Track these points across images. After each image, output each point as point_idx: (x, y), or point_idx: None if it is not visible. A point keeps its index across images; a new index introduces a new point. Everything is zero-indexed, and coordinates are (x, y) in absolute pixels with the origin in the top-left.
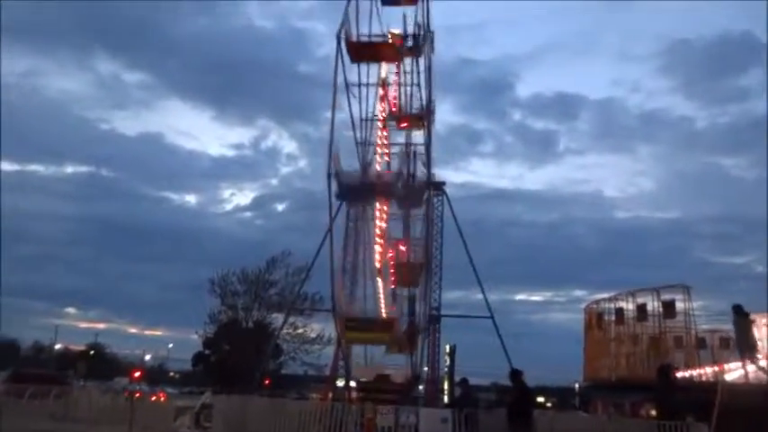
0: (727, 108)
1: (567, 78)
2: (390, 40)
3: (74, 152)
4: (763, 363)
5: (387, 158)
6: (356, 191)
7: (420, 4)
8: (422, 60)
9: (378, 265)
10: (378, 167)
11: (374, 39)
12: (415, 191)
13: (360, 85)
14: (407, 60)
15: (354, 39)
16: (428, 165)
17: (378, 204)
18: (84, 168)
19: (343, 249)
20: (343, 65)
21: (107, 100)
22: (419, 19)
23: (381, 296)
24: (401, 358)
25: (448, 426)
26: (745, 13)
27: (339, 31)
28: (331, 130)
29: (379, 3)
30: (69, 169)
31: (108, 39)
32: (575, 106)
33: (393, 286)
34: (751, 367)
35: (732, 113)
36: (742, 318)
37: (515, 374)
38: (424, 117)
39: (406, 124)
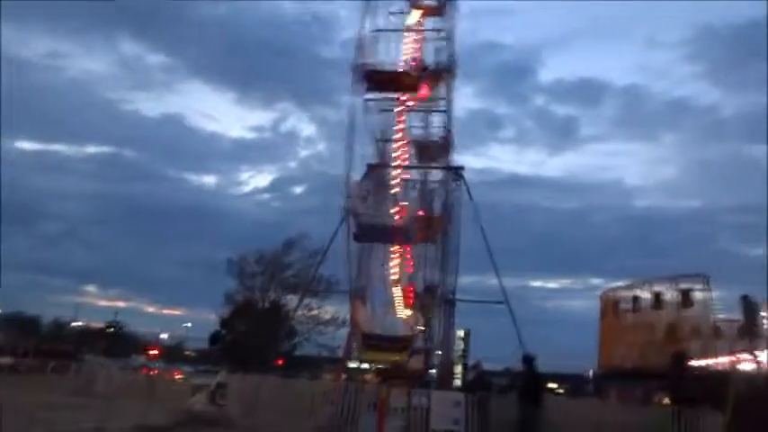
0: (754, 96)
1: (591, 64)
2: (409, 69)
3: (96, 132)
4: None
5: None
6: (373, 232)
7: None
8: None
9: (396, 276)
10: (394, 210)
11: (390, 67)
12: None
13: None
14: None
15: (371, 67)
16: (450, 152)
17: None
18: (105, 149)
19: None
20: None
21: (130, 81)
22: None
23: (399, 305)
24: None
25: (460, 408)
26: None
27: (355, 61)
28: (349, 162)
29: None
30: (91, 149)
31: (131, 20)
32: (598, 92)
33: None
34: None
35: (758, 101)
36: (749, 306)
37: (528, 359)
38: (443, 147)
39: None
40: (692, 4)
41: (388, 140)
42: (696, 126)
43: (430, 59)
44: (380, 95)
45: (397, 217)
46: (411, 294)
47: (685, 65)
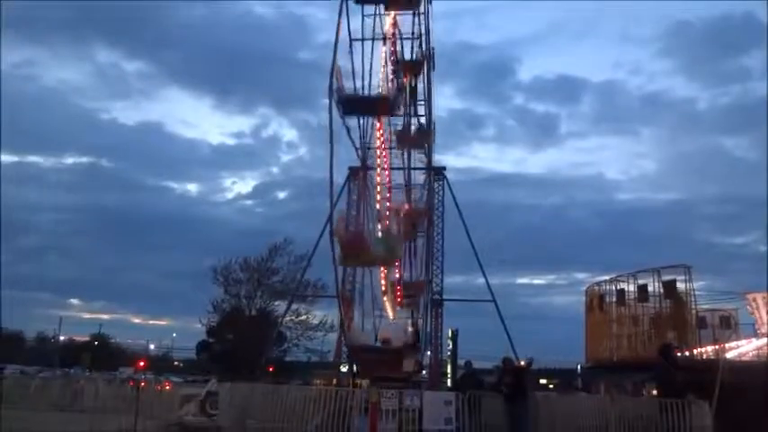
0: (729, 89)
1: (568, 61)
2: (384, 94)
3: (73, 143)
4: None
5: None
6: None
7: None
8: (421, 78)
9: (383, 285)
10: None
11: (366, 94)
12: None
13: (363, 39)
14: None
15: (347, 92)
16: (430, 151)
17: (377, 121)
18: (84, 159)
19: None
20: (347, 10)
21: (106, 90)
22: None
23: (389, 313)
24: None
25: (452, 408)
26: None
27: (330, 83)
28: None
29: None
30: (69, 160)
31: (106, 28)
32: (576, 89)
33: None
34: (751, 345)
35: (733, 94)
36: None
37: (507, 361)
38: (426, 136)
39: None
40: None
41: (369, 146)
42: (673, 120)
43: (407, 57)
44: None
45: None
46: (400, 294)
47: (659, 60)
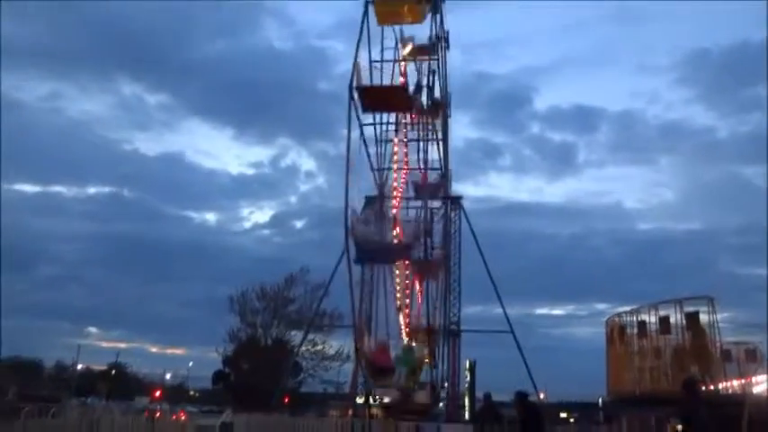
0: (748, 117)
1: (584, 91)
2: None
3: (96, 173)
4: None
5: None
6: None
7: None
8: (438, 125)
9: (398, 303)
10: (396, 231)
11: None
12: (430, 265)
13: (382, 61)
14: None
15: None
16: (447, 185)
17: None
18: (106, 189)
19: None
20: (356, 112)
21: (129, 121)
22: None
23: (403, 329)
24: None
25: None
26: (762, 22)
27: (351, 81)
28: (346, 184)
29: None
30: (92, 190)
31: (129, 61)
32: (593, 118)
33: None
34: None
35: (753, 122)
36: None
37: (522, 397)
38: (441, 186)
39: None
40: (676, 29)
41: (387, 169)
42: (691, 149)
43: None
44: (377, 121)
45: (397, 236)
46: (408, 333)
47: (676, 88)
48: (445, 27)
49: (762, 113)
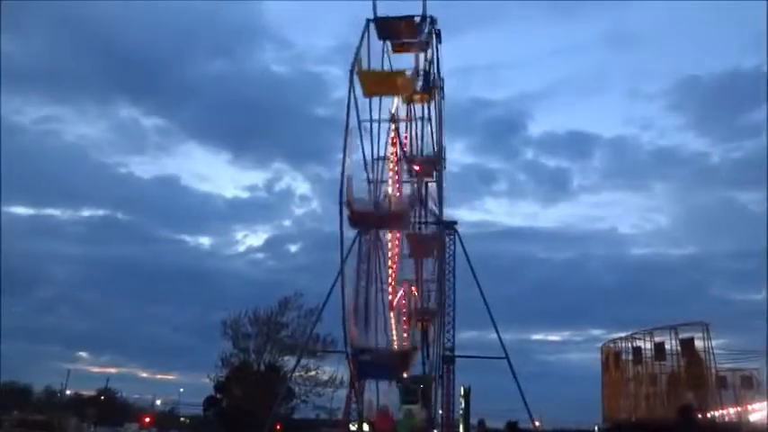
0: (741, 143)
1: (578, 117)
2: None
3: (90, 196)
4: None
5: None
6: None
7: (431, 50)
8: (433, 105)
9: (390, 297)
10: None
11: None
12: (427, 241)
13: (371, 120)
14: (418, 106)
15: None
16: (440, 207)
17: (389, 235)
18: (100, 212)
19: (354, 290)
20: (356, 100)
21: (125, 144)
22: (427, 65)
23: (394, 331)
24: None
25: None
26: (754, 48)
27: (352, 65)
28: (343, 157)
29: (390, 46)
30: (86, 213)
31: (126, 85)
32: (587, 144)
33: (406, 326)
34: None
35: (746, 148)
36: None
37: (512, 427)
38: (435, 162)
39: (418, 168)
40: (668, 55)
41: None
42: (685, 174)
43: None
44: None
45: (392, 203)
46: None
47: (670, 115)
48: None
49: (755, 139)
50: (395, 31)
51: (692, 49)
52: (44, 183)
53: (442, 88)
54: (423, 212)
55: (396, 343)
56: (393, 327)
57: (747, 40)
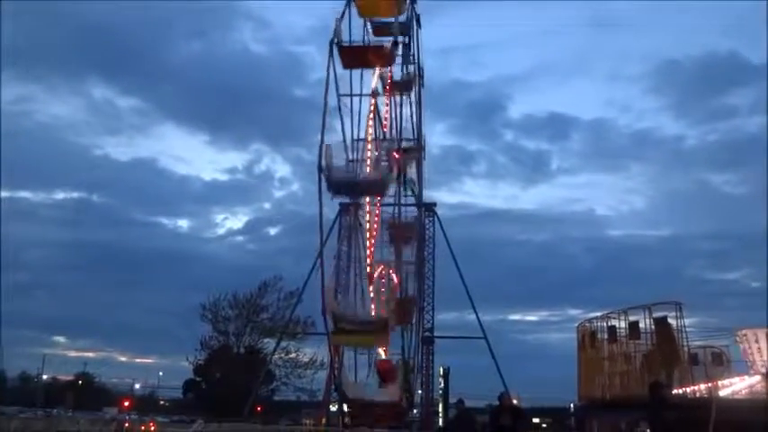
0: (717, 126)
1: (558, 99)
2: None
3: (65, 178)
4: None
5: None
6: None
7: (410, 39)
8: (413, 95)
9: (368, 269)
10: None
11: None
12: (406, 227)
13: (351, 95)
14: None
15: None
16: (420, 192)
17: (368, 216)
18: (75, 194)
19: (335, 267)
20: (336, 74)
21: (100, 125)
22: (407, 40)
23: (372, 304)
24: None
25: None
26: (731, 33)
27: (332, 39)
28: (323, 125)
29: (371, 27)
30: (60, 195)
31: (101, 64)
32: (566, 126)
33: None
34: (744, 383)
35: (721, 131)
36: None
37: (505, 398)
38: (416, 150)
39: (398, 156)
40: (650, 39)
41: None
42: (662, 157)
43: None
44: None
45: (369, 171)
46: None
47: (648, 98)
48: (416, 10)
49: (729, 122)
50: (375, 7)
51: (673, 33)
52: (17, 164)
53: (421, 76)
54: (400, 189)
55: (374, 312)
56: (372, 298)
57: (723, 25)
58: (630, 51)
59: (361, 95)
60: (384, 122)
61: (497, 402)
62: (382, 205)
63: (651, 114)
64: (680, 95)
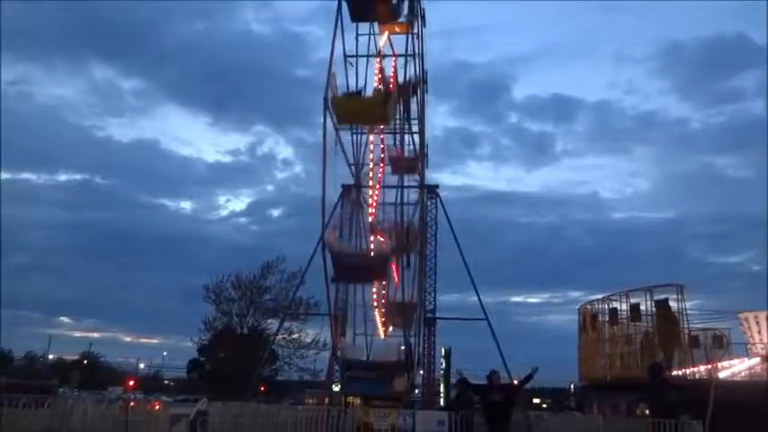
0: (721, 109)
1: (562, 81)
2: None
3: (67, 160)
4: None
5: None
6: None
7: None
8: (414, 37)
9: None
10: (372, 247)
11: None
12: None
13: (357, 56)
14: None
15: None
16: (422, 171)
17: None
18: (77, 176)
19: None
20: (342, 30)
21: (102, 107)
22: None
23: (381, 333)
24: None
25: (444, 427)
26: (738, 15)
27: (326, 93)
28: (331, 53)
29: None
30: (62, 177)
31: (103, 45)
32: (571, 108)
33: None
34: (743, 364)
35: (726, 114)
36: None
37: (494, 376)
38: (417, 160)
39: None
40: (656, 20)
41: (362, 164)
42: (666, 139)
43: (401, 79)
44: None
45: (372, 251)
46: (391, 312)
47: (653, 79)
48: (422, 6)
49: (734, 105)
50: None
51: (679, 15)
52: (19, 146)
53: (423, 17)
54: (405, 127)
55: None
56: (371, 240)
57: (731, 6)
58: (635, 33)
59: (367, 56)
60: (390, 85)
61: (486, 381)
62: (384, 187)
63: (656, 96)
64: (685, 77)
